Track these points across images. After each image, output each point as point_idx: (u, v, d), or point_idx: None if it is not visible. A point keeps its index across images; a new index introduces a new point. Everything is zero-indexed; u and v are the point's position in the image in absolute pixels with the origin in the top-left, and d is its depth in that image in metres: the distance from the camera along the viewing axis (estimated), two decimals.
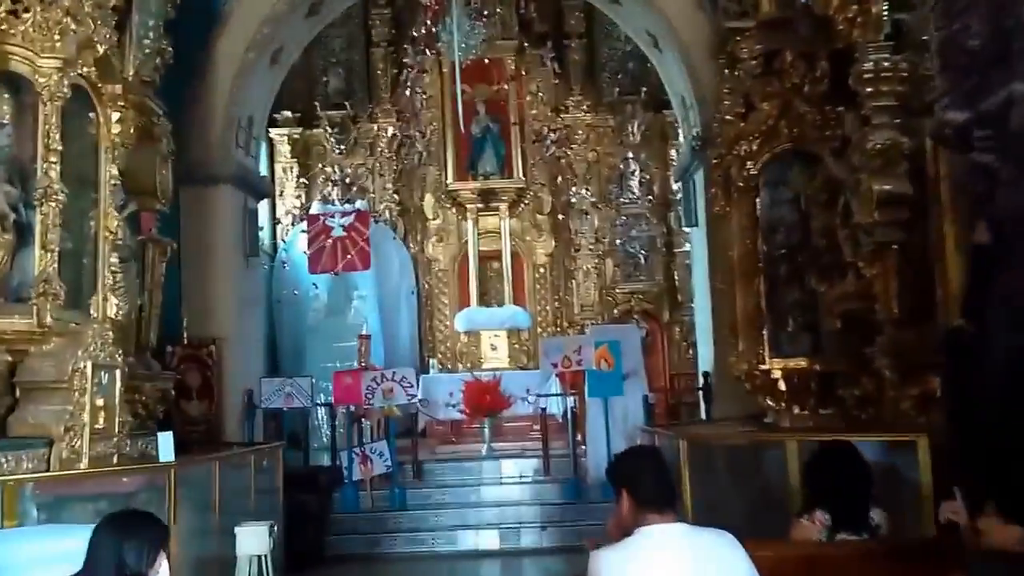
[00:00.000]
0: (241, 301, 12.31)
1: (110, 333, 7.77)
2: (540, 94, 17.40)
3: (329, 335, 15.59)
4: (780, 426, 8.88)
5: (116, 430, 7.65)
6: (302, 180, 17.39)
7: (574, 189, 17.21)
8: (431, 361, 16.24)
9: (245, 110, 12.46)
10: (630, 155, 17.25)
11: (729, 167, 9.33)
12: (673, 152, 16.95)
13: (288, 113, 17.23)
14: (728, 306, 9.89)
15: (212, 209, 12.04)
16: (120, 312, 8.40)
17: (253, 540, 7.52)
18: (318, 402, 12.90)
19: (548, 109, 17.40)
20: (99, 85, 7.87)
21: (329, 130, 17.26)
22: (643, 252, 17.16)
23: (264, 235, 16.69)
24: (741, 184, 9.03)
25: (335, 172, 17.35)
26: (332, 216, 15.94)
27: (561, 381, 13.75)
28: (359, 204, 16.61)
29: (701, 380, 12.19)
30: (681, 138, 16.14)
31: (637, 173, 17.25)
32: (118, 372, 7.71)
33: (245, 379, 12.17)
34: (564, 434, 12.72)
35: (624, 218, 17.23)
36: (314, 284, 15.85)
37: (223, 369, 11.76)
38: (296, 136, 17.33)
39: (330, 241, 15.78)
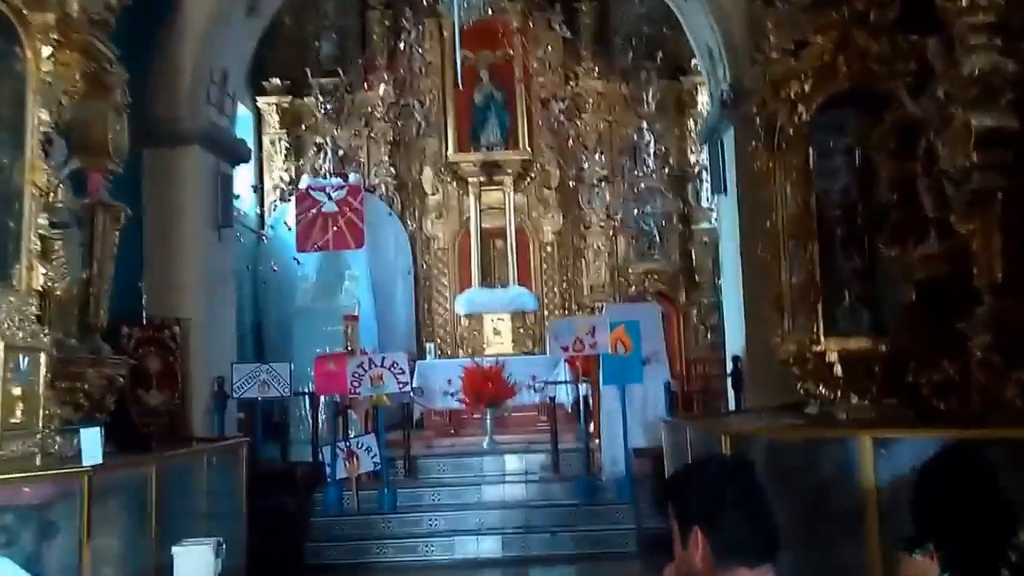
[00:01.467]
0: (211, 277, 10.68)
1: (32, 308, 6.26)
2: (548, 60, 15.80)
3: (318, 318, 13.92)
4: (836, 418, 7.24)
5: (40, 425, 6.13)
6: (291, 152, 15.84)
7: (584, 161, 15.60)
8: (428, 346, 14.58)
9: (218, 63, 10.80)
10: (644, 125, 15.60)
11: (774, 115, 7.70)
12: (691, 122, 15.48)
13: (277, 81, 15.69)
14: (770, 279, 8.23)
15: (178, 173, 10.43)
16: (54, 284, 6.89)
17: (194, 562, 5.87)
18: (299, 391, 11.20)
19: (556, 76, 15.81)
20: (24, 13, 6.39)
21: (321, 99, 15.66)
22: (658, 229, 15.51)
23: (250, 211, 15.22)
24: (791, 132, 7.37)
25: (327, 144, 15.74)
26: (323, 190, 14.41)
27: (571, 367, 12.13)
28: (352, 177, 15.02)
29: (730, 365, 10.51)
30: (704, 99, 14.76)
31: (652, 144, 15.59)
32: (43, 355, 6.18)
33: (215, 365, 10.52)
34: (575, 426, 11.08)
35: (638, 192, 15.56)
36: (295, 259, 14.21)
37: (189, 353, 10.13)
38: (285, 105, 15.79)
39: (320, 217, 14.28)
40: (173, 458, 7.24)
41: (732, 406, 10.72)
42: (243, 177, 14.63)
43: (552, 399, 11.35)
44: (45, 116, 6.62)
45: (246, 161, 11.80)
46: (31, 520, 5.79)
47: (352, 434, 10.77)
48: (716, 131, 10.82)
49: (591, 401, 10.72)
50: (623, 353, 10.16)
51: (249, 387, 10.47)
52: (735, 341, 10.52)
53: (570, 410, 12.13)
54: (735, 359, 10.28)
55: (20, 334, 5.98)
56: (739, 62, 10.09)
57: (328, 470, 10.34)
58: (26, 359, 6.00)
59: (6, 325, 5.87)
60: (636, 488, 9.96)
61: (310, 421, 11.76)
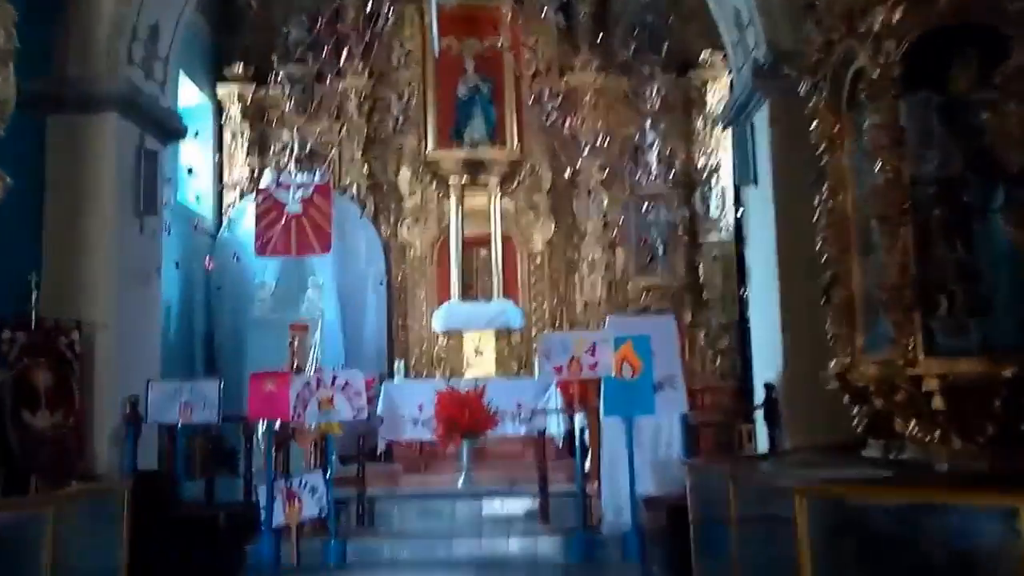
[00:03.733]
0: (128, 274, 8.43)
1: None
2: (541, 50, 13.65)
3: (277, 330, 11.62)
4: (931, 467, 5.03)
5: None
6: (254, 147, 13.58)
7: (579, 164, 13.33)
8: (397, 364, 12.25)
9: (144, 15, 8.55)
10: (647, 125, 13.39)
11: (845, 60, 5.57)
12: (699, 122, 13.25)
13: (239, 68, 13.45)
14: (817, 287, 6.03)
15: (90, 145, 8.23)
16: None
17: None
18: (237, 415, 8.83)
19: (550, 69, 13.62)
20: None
21: (288, 88, 13.44)
22: (661, 240, 13.31)
23: (206, 211, 13.03)
24: (876, 78, 5.17)
25: (293, 138, 13.49)
26: (287, 188, 12.19)
27: (563, 392, 9.86)
28: (320, 175, 12.79)
29: (759, 395, 8.25)
30: (715, 97, 12.94)
31: (655, 147, 13.39)
32: None
33: (131, 382, 8.24)
34: (569, 464, 8.80)
35: (639, 199, 13.39)
36: (235, 256, 12.06)
37: (94, 367, 7.89)
38: (248, 95, 13.53)
39: (283, 218, 12.07)
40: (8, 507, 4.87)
41: (759, 445, 8.53)
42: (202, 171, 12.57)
43: (542, 433, 9.04)
44: None
45: (180, 137, 9.52)
46: None
47: (295, 471, 8.46)
48: (744, 110, 8.62)
49: (590, 435, 8.39)
50: (630, 376, 7.90)
51: (168, 410, 8.20)
52: (767, 366, 8.27)
53: (560, 445, 9.88)
54: (768, 388, 8.02)
55: None
56: (776, 22, 8.00)
57: (263, 515, 8.02)
58: None
59: None
60: (646, 546, 7.64)
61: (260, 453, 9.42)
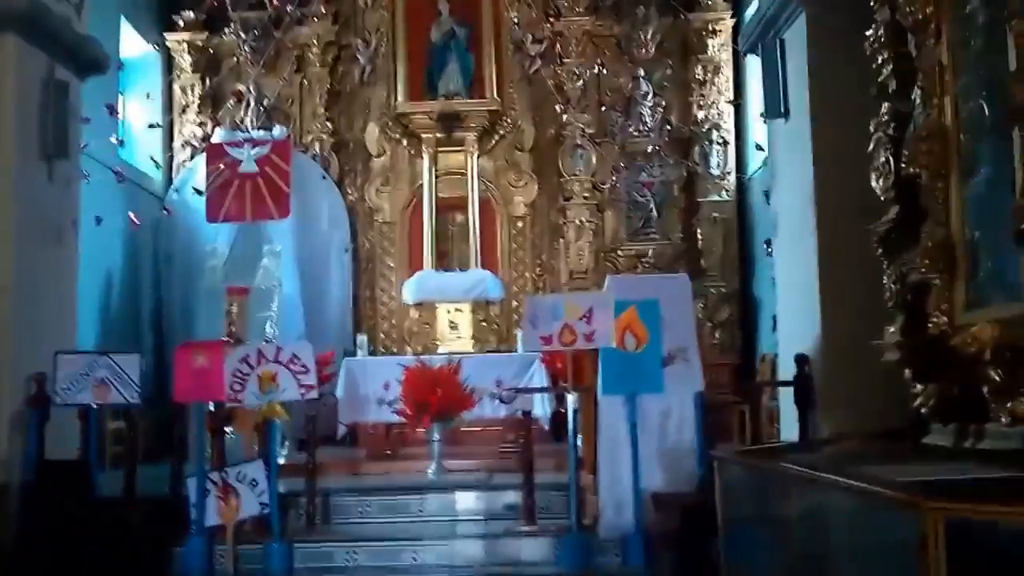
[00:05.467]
0: (34, 228, 6.87)
1: None
2: None
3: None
4: None
5: None
6: (207, 102, 12.11)
7: (565, 117, 11.86)
8: (360, 339, 10.68)
9: None
10: (641, 74, 11.92)
11: None
12: (699, 69, 11.79)
13: (190, 14, 12.01)
14: (923, 219, 4.48)
15: None
16: None
17: None
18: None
19: (533, 11, 12.11)
20: None
21: (243, 37, 11.96)
22: (655, 202, 11.85)
23: (154, 171, 11.46)
24: None
25: (250, 92, 11.97)
26: (241, 146, 10.59)
27: (550, 368, 8.36)
28: (278, 131, 11.29)
29: (788, 369, 6.73)
30: (718, 40, 11.57)
31: (650, 98, 11.94)
32: None
33: (38, 356, 6.68)
34: (559, 451, 7.29)
35: (631, 156, 11.91)
36: (166, 209, 10.59)
37: None
38: (200, 43, 12.07)
39: (237, 178, 10.47)
40: None
41: (782, 432, 7.05)
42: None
43: (527, 413, 7.43)
44: None
45: (100, 70, 7.82)
46: None
47: (233, 461, 6.89)
48: (772, 28, 7.07)
49: (584, 417, 6.81)
50: (634, 348, 6.38)
51: (79, 389, 6.64)
52: (799, 335, 6.76)
53: (547, 428, 8.38)
54: (801, 361, 6.49)
55: None
56: None
57: (193, 513, 6.46)
58: None
59: None
60: (652, 551, 6.13)
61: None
